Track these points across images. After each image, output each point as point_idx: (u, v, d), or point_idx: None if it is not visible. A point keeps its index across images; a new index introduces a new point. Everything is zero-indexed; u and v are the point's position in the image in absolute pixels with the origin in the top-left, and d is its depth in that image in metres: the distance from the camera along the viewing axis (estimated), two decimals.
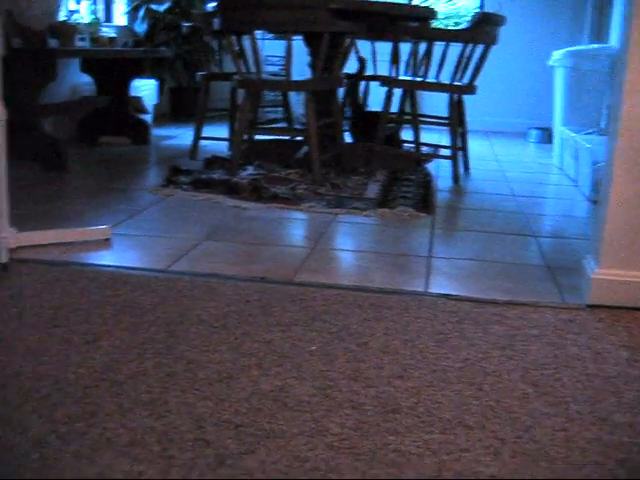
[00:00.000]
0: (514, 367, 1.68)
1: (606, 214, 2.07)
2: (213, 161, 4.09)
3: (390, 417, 1.43)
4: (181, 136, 5.35)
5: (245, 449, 1.30)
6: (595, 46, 5.17)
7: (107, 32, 5.04)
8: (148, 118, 5.31)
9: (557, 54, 5.04)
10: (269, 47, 6.29)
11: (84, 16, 5.00)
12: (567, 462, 1.30)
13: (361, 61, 4.78)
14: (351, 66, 4.54)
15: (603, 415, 1.48)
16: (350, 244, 2.71)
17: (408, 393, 1.53)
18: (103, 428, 1.34)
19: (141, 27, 6.12)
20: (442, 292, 2.17)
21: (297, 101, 5.47)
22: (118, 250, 2.50)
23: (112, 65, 4.80)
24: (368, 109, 4.96)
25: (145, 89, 5.50)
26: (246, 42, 3.98)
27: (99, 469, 1.22)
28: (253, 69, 3.77)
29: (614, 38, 5.30)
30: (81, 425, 1.35)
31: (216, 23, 3.75)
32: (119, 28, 5.86)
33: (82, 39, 4.60)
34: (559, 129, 4.89)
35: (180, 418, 1.39)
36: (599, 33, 6.12)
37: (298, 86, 3.88)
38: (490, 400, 1.52)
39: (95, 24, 4.85)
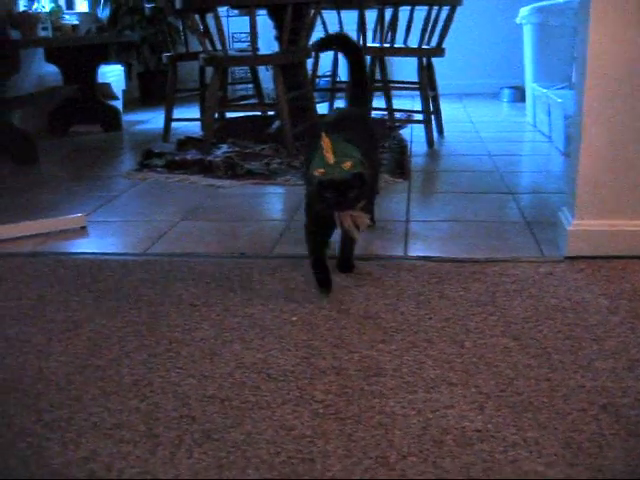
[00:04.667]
0: (495, 323, 1.69)
1: (578, 166, 2.07)
2: (186, 142, 4.06)
3: (374, 380, 1.43)
4: (153, 120, 5.30)
5: (231, 422, 1.30)
6: (561, 1, 5.15)
7: (69, 20, 4.95)
8: (118, 104, 5.24)
9: (524, 11, 5.01)
10: (235, 24, 6.23)
11: (45, 5, 4.90)
12: (551, 411, 1.31)
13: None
14: None
15: (585, 363, 1.49)
16: None
17: (391, 356, 1.53)
18: (87, 413, 1.34)
19: (104, 12, 6.03)
20: (421, 255, 2.17)
21: (267, 76, 5.43)
22: (95, 237, 2.48)
23: (77, 53, 4.73)
24: None
25: (113, 75, 5.43)
26: (210, 20, 3.93)
27: (85, 454, 1.22)
28: (219, 46, 3.73)
29: None
30: (65, 412, 1.35)
31: (177, 2, 3.70)
32: (81, 15, 5.77)
33: (44, 28, 4.52)
34: (530, 86, 4.89)
35: (165, 397, 1.39)
36: None
37: (264, 60, 3.85)
38: (473, 357, 1.52)
39: (57, 12, 4.76)
